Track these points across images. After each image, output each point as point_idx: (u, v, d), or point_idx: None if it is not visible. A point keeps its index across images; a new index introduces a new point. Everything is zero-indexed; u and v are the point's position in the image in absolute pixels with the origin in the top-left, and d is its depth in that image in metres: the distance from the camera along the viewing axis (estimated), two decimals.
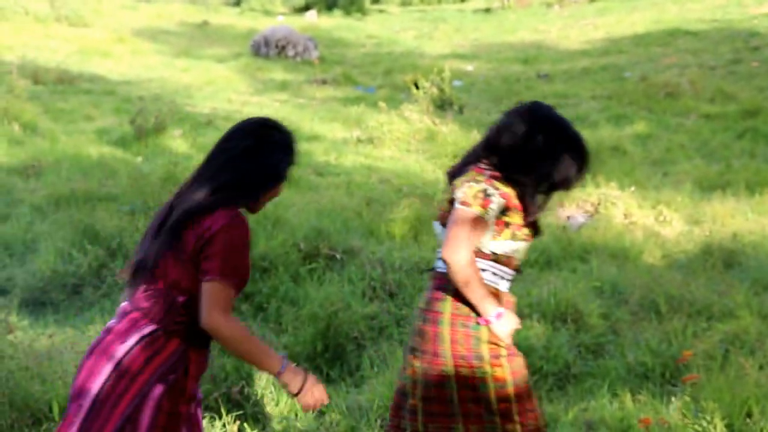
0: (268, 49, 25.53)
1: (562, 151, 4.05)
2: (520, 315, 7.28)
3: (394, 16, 37.92)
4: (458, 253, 3.81)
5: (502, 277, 4.06)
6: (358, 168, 13.35)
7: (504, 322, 3.93)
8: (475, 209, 3.87)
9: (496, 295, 4.00)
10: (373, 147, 15.06)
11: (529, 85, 22.07)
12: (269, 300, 7.90)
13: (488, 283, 3.98)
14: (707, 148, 15.32)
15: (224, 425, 5.59)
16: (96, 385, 3.51)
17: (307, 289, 7.96)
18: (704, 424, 5.24)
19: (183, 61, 24.34)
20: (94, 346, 3.60)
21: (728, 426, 5.30)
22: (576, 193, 11.38)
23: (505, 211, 3.95)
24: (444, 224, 4.04)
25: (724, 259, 9.04)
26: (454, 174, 4.15)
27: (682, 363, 6.29)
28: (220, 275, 3.45)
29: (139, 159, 12.94)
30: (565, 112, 15.65)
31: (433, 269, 4.19)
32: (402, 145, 15.13)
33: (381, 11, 40.11)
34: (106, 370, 3.51)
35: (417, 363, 4.05)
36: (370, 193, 11.65)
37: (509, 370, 3.94)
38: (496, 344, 3.93)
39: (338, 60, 25.88)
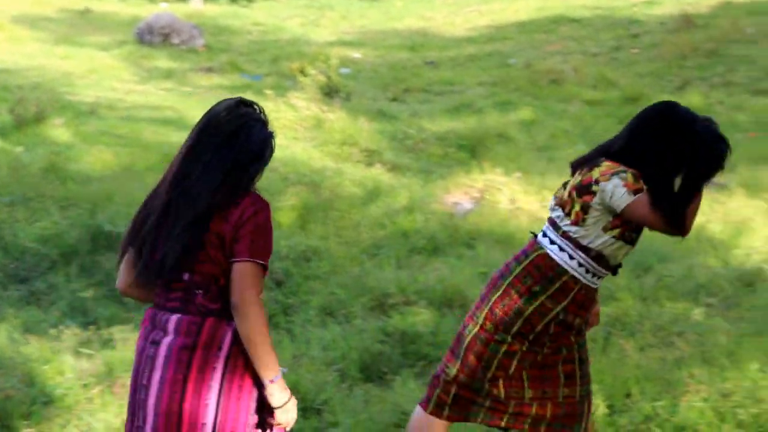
0: (152, 36, 25.12)
1: (697, 149, 4.05)
2: (407, 302, 7.38)
3: (280, 4, 37.66)
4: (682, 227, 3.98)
5: (590, 272, 4.11)
6: None
7: None
8: (647, 187, 3.95)
9: (586, 297, 4.15)
10: None
11: (416, 72, 22.15)
12: None
13: (567, 267, 4.07)
14: (590, 134, 15.55)
15: None
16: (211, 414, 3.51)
17: None
18: None
19: (64, 49, 23.77)
20: (170, 360, 3.53)
21: (609, 407, 5.43)
22: (461, 179, 11.50)
23: None
24: (558, 204, 4.17)
25: None
26: (580, 164, 4.23)
27: None
28: (251, 255, 3.46)
29: (19, 149, 12.63)
30: (452, 99, 15.87)
31: (534, 234, 4.30)
32: (289, 133, 15.04)
33: None
34: (210, 387, 3.51)
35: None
36: (257, 181, 11.56)
37: (525, 348, 4.14)
38: (532, 323, 4.06)
39: (224, 48, 25.61)
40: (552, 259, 4.06)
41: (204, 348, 3.50)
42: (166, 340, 3.54)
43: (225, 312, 3.52)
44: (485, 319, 4.10)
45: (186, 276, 3.55)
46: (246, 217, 3.48)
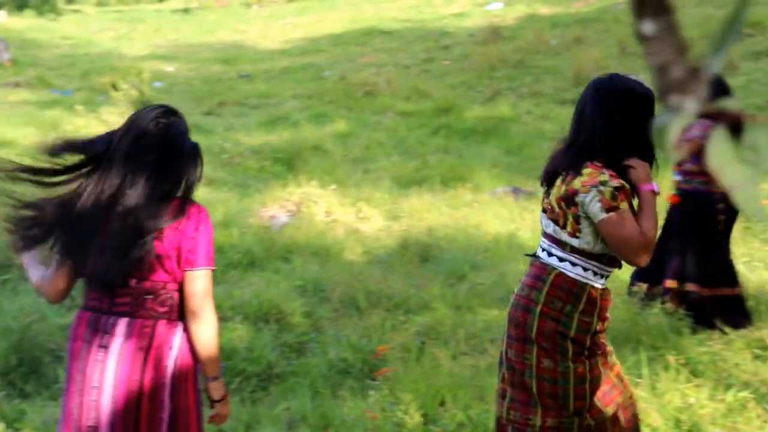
0: None
1: (641, 113, 3.96)
2: (223, 318, 7.28)
3: (90, 17, 36.91)
4: (637, 256, 3.87)
5: (603, 275, 4.03)
6: None
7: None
8: (622, 206, 3.85)
9: (607, 300, 4.05)
10: None
11: (231, 85, 22.03)
12: None
13: (585, 280, 3.97)
14: (404, 145, 15.77)
15: None
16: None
17: (0, 302, 7.62)
18: (400, 414, 5.39)
19: None
20: (118, 380, 3.63)
21: (424, 416, 5.48)
22: (278, 192, 11.46)
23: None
24: (551, 219, 4.04)
25: (420, 253, 9.33)
26: (554, 172, 4.08)
27: (377, 358, 6.45)
28: (207, 263, 3.65)
29: None
30: (267, 112, 15.78)
31: (534, 256, 4.14)
32: None
33: (76, 11, 38.93)
34: (163, 385, 3.67)
35: (509, 349, 4.04)
36: None
37: (589, 367, 3.93)
38: (580, 342, 3.92)
39: (32, 62, 24.89)
40: (569, 276, 3.97)
41: (158, 349, 3.65)
42: (117, 343, 3.63)
43: (173, 314, 3.69)
44: (539, 357, 3.94)
45: (133, 282, 3.65)
46: (199, 227, 3.65)
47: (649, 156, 4.02)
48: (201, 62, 25.51)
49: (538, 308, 3.96)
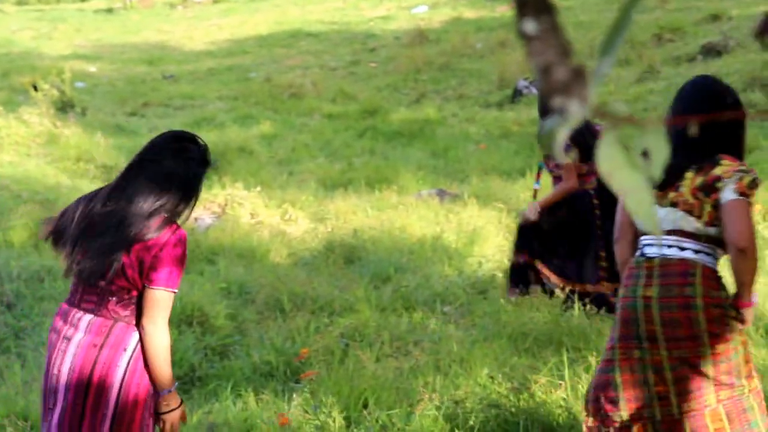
0: None
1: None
2: None
3: (9, 16, 36.29)
4: (752, 244, 4.01)
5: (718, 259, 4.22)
6: None
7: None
8: (752, 199, 4.04)
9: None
10: None
11: (155, 86, 21.81)
12: None
13: (716, 267, 4.18)
14: (330, 148, 15.76)
15: None
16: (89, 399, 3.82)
17: None
18: (323, 418, 5.39)
19: None
20: (80, 354, 3.83)
21: (346, 418, 5.48)
22: (203, 194, 11.36)
23: None
24: (685, 210, 4.16)
25: (345, 255, 9.32)
26: (678, 168, 4.19)
27: (301, 360, 6.44)
28: (166, 284, 3.76)
29: None
30: (192, 113, 15.70)
31: (649, 257, 4.23)
32: (21, 150, 14.51)
33: None
34: (111, 386, 3.82)
35: (674, 350, 4.11)
36: None
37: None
38: (736, 318, 4.15)
39: None
40: (710, 267, 4.15)
41: (110, 348, 3.81)
42: (77, 337, 3.85)
43: (133, 318, 3.84)
44: (712, 345, 4.09)
45: (102, 283, 3.81)
46: (165, 248, 3.77)
47: (741, 155, 4.26)
48: (124, 63, 25.23)
49: (699, 301, 4.10)
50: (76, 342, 3.84)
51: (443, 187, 12.25)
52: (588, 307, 7.04)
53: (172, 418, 3.92)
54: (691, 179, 4.15)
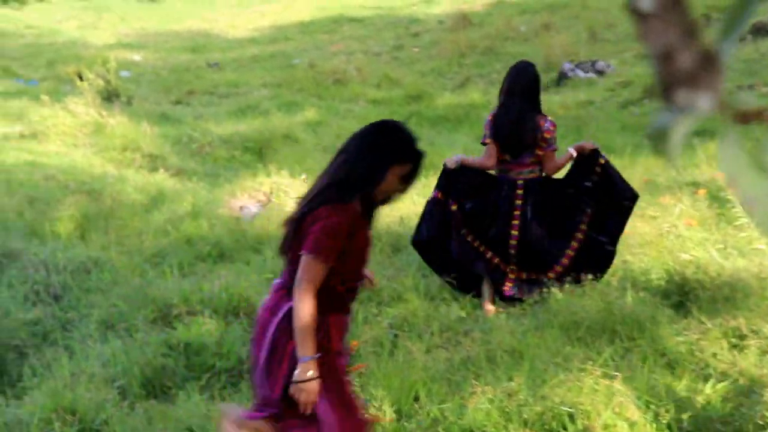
0: None
1: None
2: (191, 312, 7.13)
3: (54, 6, 36.43)
4: None
5: None
6: (21, 165, 12.65)
7: None
8: None
9: None
10: (37, 142, 14.35)
11: (200, 74, 21.79)
12: None
13: None
14: None
15: None
16: (262, 359, 4.11)
17: None
18: (374, 411, 5.26)
19: None
20: (257, 321, 4.22)
21: (397, 412, 5.35)
22: (248, 182, 11.30)
23: None
24: None
25: (392, 244, 9.17)
26: None
27: (351, 353, 6.31)
28: (311, 250, 3.91)
29: None
30: (237, 101, 15.67)
31: None
32: (68, 140, 14.52)
33: (40, 1, 38.45)
34: (266, 344, 4.09)
35: None
36: (34, 191, 11.07)
37: None
38: None
39: None
40: None
41: (270, 310, 4.13)
42: (264, 299, 4.31)
43: (290, 290, 4.02)
44: None
45: (289, 254, 4.11)
46: (318, 218, 3.94)
47: None
48: (168, 51, 25.24)
49: None
50: (262, 304, 4.36)
51: None
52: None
53: (300, 390, 3.93)
54: None
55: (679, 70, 0.88)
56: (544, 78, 18.30)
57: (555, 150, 7.38)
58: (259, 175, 11.54)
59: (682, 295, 7.03)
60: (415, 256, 8.73)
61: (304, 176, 11.46)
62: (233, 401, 5.89)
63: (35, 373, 6.45)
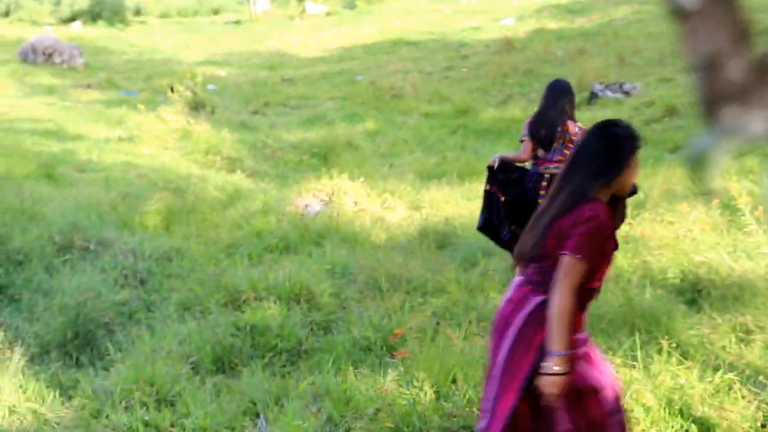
0: (36, 56, 24.04)
1: None
2: (257, 298, 7.02)
3: (154, 27, 36.70)
4: None
5: None
6: (118, 164, 12.69)
7: None
8: None
9: None
10: (133, 145, 14.43)
11: (275, 88, 21.76)
12: (22, 291, 7.27)
13: None
14: (426, 143, 15.47)
15: None
16: (505, 348, 3.78)
17: (60, 280, 7.39)
18: (415, 392, 5.11)
19: None
20: (500, 314, 3.89)
21: (436, 393, 5.20)
22: (313, 184, 11.20)
23: None
24: None
25: (438, 241, 9.05)
26: None
27: (396, 339, 6.15)
28: (573, 251, 3.63)
29: None
30: (306, 112, 15.58)
31: None
32: (160, 143, 14.58)
33: (142, 22, 38.72)
34: (510, 334, 3.77)
35: None
36: (128, 187, 11.08)
37: None
38: None
39: (102, 66, 24.70)
40: None
41: (516, 305, 3.81)
42: (506, 294, 3.94)
43: (539, 286, 3.74)
44: None
45: (537, 251, 3.82)
46: (580, 220, 3.65)
47: None
48: (249, 68, 25.26)
49: None
50: (505, 298, 3.97)
51: None
52: None
53: (546, 382, 3.62)
54: None
55: (728, 83, 0.61)
56: (578, 97, 17.96)
57: None
58: (322, 177, 11.45)
59: (695, 293, 6.84)
60: (457, 253, 8.58)
61: (362, 179, 11.34)
62: (292, 379, 5.78)
63: (120, 348, 6.40)
